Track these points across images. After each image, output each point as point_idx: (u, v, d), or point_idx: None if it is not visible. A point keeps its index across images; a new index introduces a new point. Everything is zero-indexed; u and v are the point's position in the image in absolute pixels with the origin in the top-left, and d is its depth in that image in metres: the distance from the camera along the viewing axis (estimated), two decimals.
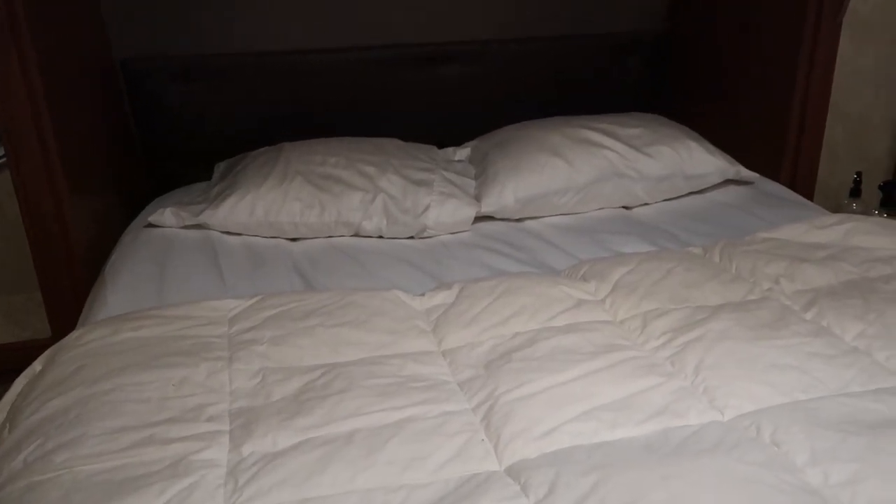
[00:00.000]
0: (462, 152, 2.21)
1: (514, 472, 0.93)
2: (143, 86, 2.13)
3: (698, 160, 1.98)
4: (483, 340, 1.24)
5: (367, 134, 2.18)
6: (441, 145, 2.26)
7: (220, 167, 2.15)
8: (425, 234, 1.82)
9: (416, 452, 0.96)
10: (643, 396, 1.06)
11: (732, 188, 2.04)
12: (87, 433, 1.01)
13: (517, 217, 1.91)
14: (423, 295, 1.41)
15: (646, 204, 1.98)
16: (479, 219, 1.88)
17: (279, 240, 1.81)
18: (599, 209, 1.96)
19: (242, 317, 1.32)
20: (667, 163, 1.95)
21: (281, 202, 1.80)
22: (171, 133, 2.19)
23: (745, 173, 2.01)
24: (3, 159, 1.66)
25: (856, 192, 2.15)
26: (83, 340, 1.25)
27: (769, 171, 2.09)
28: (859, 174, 2.14)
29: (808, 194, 2.09)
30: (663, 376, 1.11)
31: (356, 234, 1.83)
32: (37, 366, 1.27)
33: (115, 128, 2.09)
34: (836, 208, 2.12)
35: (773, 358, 1.13)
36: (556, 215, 1.93)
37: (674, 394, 1.07)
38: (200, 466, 0.94)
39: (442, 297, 1.38)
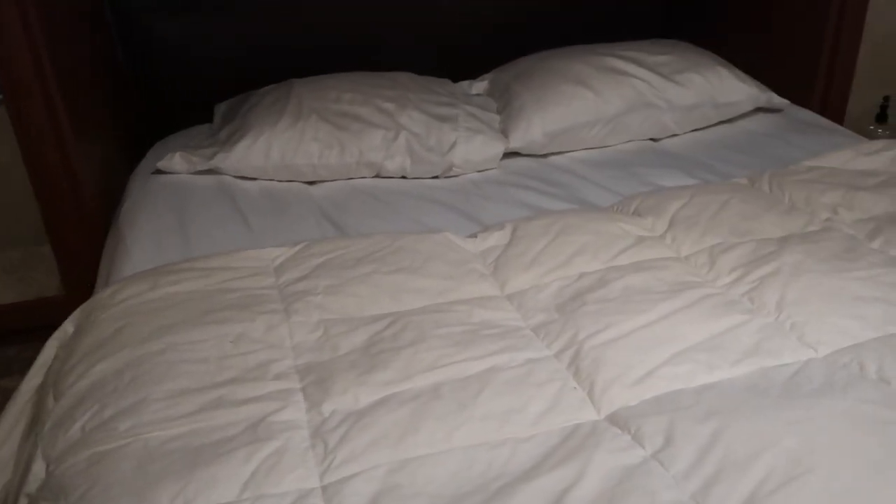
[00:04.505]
0: (479, 85, 2.10)
1: (618, 420, 0.88)
2: (133, 20, 1.96)
3: (729, 87, 1.90)
4: (548, 282, 1.18)
5: (369, 67, 2.05)
6: (451, 78, 2.14)
7: (220, 108, 2.01)
8: (451, 173, 1.73)
9: (510, 404, 0.90)
10: (730, 335, 1.02)
11: (762, 116, 1.98)
12: (148, 398, 0.93)
13: (543, 152, 1.82)
14: (474, 236, 1.34)
15: (674, 135, 1.91)
16: (505, 155, 1.80)
17: (296, 183, 1.71)
18: (627, 142, 1.88)
19: (289, 266, 1.24)
20: (697, 91, 1.87)
21: (297, 142, 1.69)
22: (163, 72, 2.04)
23: (777, 100, 1.94)
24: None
25: (882, 118, 2.10)
26: (118, 298, 1.16)
27: (798, 97, 2.02)
28: (887, 98, 2.09)
29: (839, 121, 2.04)
30: (745, 313, 1.07)
31: (377, 175, 1.73)
32: (68, 327, 1.18)
33: (109, 68, 1.93)
34: (861, 134, 2.07)
35: (856, 290, 1.10)
36: (583, 149, 1.85)
37: (761, 331, 1.03)
38: (282, 428, 0.88)
39: (496, 239, 1.31)
